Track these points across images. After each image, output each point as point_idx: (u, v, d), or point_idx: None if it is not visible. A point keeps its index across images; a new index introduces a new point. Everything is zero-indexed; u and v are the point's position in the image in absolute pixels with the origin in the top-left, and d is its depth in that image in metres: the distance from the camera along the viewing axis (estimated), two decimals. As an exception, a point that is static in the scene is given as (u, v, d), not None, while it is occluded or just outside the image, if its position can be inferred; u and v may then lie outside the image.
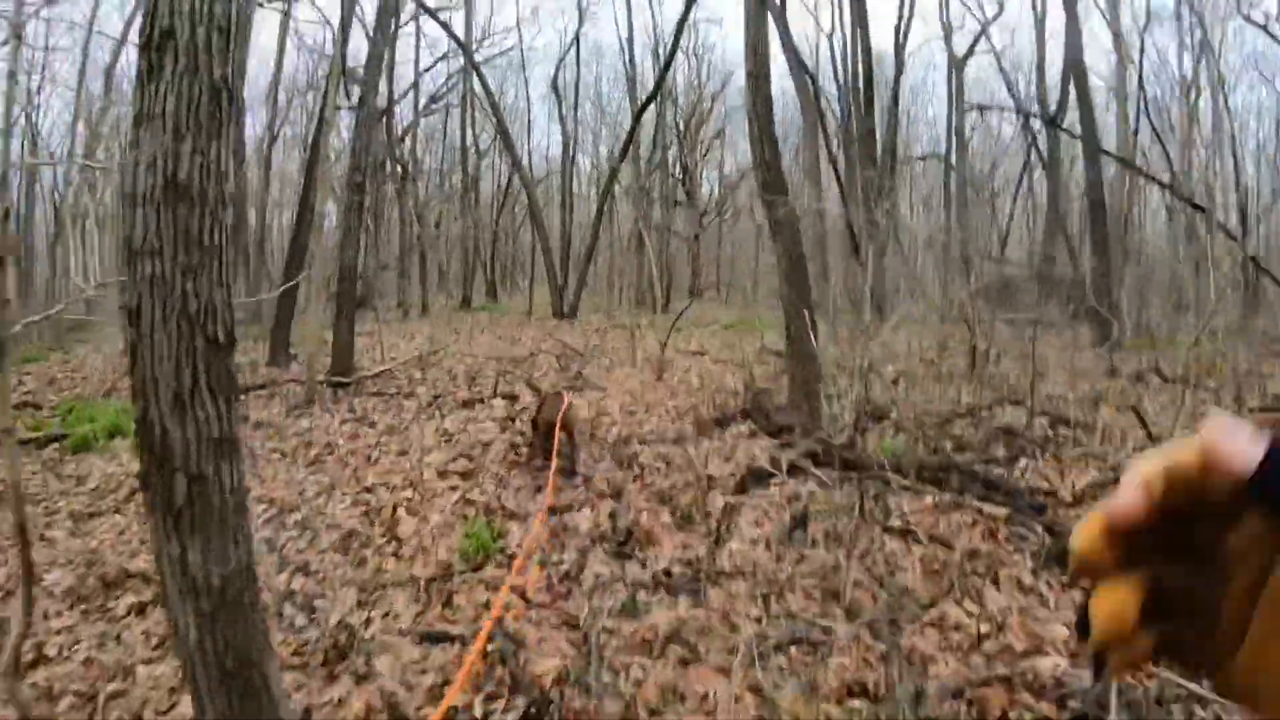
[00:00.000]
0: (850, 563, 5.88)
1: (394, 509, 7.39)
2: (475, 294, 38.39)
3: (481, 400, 12.57)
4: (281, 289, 16.21)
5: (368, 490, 8.12)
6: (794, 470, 8.47)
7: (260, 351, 17.82)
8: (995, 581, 5.88)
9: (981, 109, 32.59)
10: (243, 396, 13.61)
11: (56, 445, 10.96)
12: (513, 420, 11.18)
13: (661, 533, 6.70)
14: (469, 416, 11.56)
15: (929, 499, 7.56)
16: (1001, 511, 7.18)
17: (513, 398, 12.72)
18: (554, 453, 8.37)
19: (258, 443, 10.55)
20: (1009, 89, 35.66)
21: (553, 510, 7.42)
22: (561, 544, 6.57)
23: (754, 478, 8.15)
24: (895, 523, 7.01)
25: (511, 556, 6.25)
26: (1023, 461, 9.40)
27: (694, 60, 41.76)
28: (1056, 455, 9.61)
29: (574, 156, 37.91)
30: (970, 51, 38.26)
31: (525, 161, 33.40)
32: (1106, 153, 22.07)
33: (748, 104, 9.78)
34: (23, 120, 34.86)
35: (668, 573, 5.92)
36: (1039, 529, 6.86)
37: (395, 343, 20.03)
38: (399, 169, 34.38)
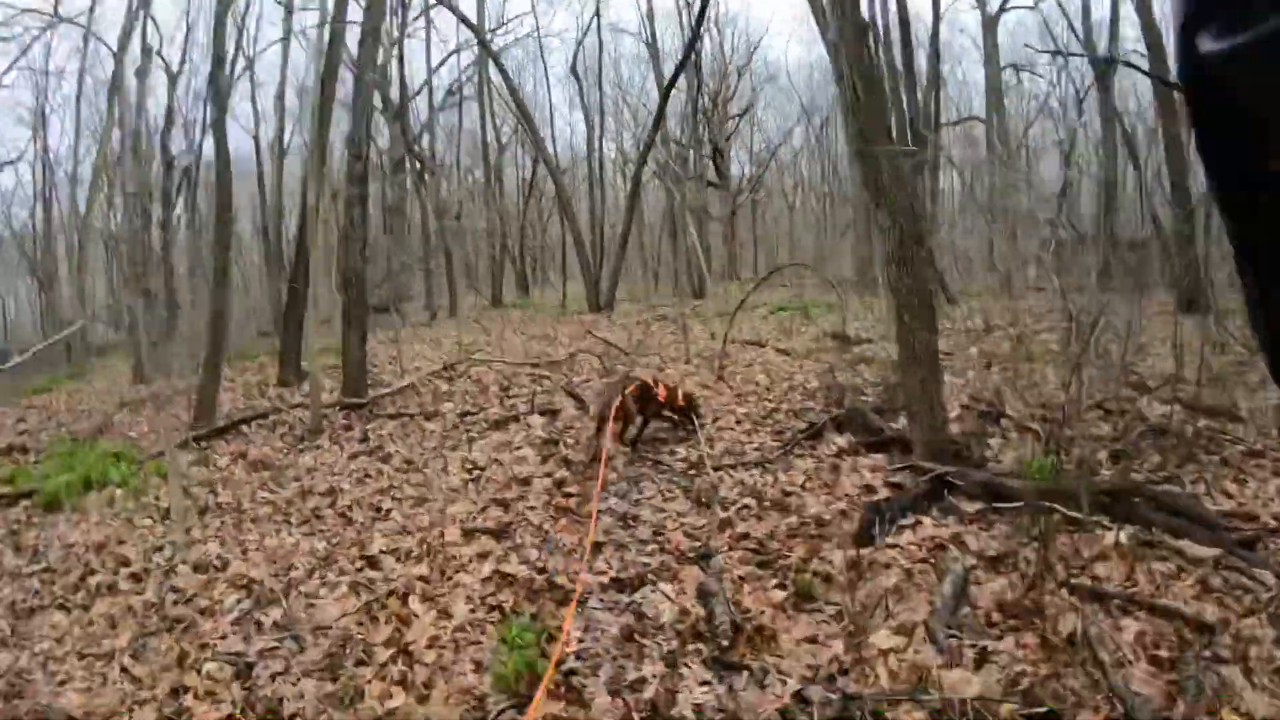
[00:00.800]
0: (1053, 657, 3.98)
1: (404, 597, 5.41)
2: (506, 291, 36.62)
3: (516, 419, 10.64)
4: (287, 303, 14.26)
5: (372, 564, 6.16)
6: (923, 502, 6.56)
7: (274, 370, 16.02)
8: (1248, 670, 3.93)
9: (1057, 51, 29.91)
10: (244, 428, 11.73)
11: (28, 502, 9.27)
12: (555, 444, 9.25)
13: (776, 620, 4.73)
14: (502, 441, 9.62)
15: (1108, 537, 5.60)
16: (1208, 552, 5.22)
17: (553, 413, 10.79)
18: (602, 459, 7.67)
19: (248, 491, 8.67)
20: (1051, 36, 33.37)
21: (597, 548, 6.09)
22: (638, 647, 4.60)
23: (878, 517, 6.19)
24: (1084, 579, 5.05)
25: (570, 673, 4.30)
26: (1190, 470, 7.38)
27: (716, 33, 39.68)
28: (1224, 459, 7.60)
29: (599, 143, 35.89)
30: (1004, 6, 36.09)
31: (549, 151, 31.41)
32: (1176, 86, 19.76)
33: (832, 32, 7.70)
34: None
35: (802, 698, 3.96)
36: (1266, 576, 4.89)
37: (420, 350, 18.16)
38: (418, 163, 32.48)
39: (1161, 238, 20.88)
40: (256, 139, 33.91)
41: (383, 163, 31.13)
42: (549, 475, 8.06)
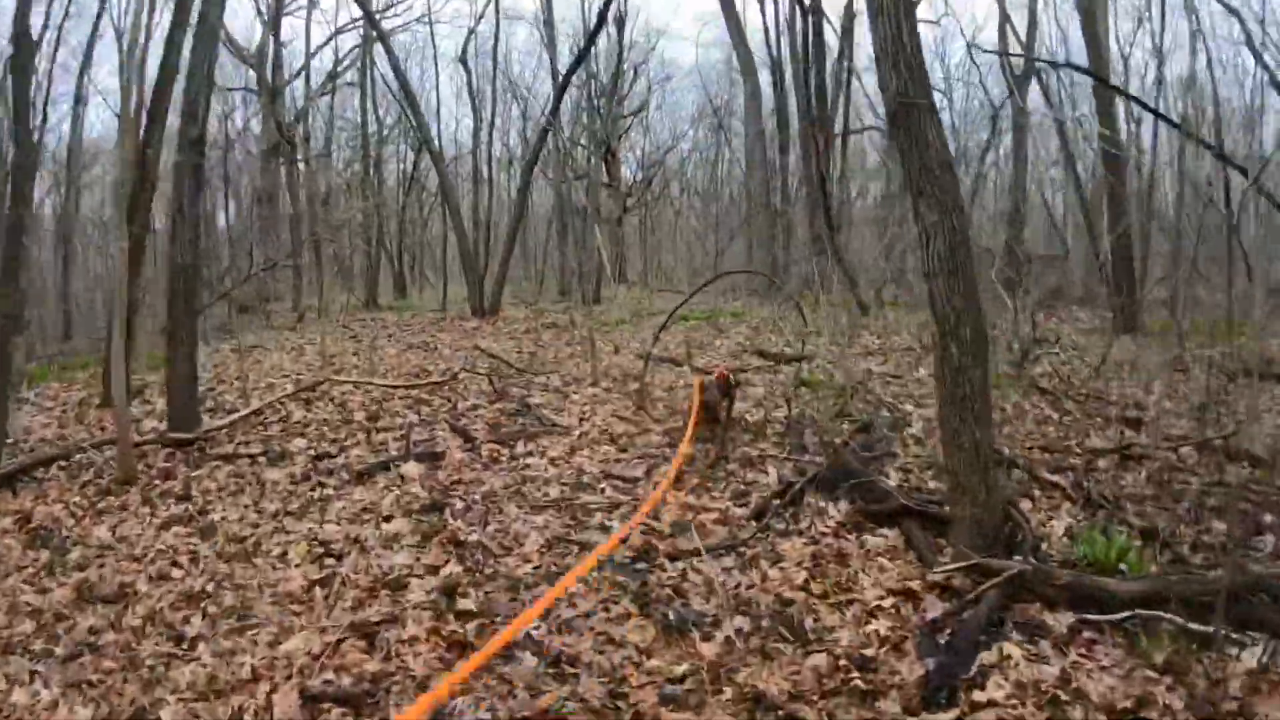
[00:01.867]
0: None
1: None
2: (383, 291, 33.78)
3: (386, 466, 8.14)
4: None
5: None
6: (995, 617, 4.73)
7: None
8: None
9: (1004, 53, 28.30)
10: (42, 471, 8.88)
11: None
12: (440, 511, 6.81)
13: None
14: (366, 505, 7.10)
15: (1245, 658, 4.18)
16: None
17: (434, 456, 8.34)
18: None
19: (9, 588, 6.02)
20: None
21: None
22: None
23: (945, 651, 4.07)
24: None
25: None
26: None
27: (614, 28, 37.32)
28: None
29: (490, 136, 33.16)
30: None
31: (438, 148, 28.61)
32: (1119, 90, 18.13)
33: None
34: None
35: None
36: None
37: (279, 362, 15.39)
38: (292, 150, 29.51)
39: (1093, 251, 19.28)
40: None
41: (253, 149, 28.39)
42: (434, 570, 5.64)
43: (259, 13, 30.18)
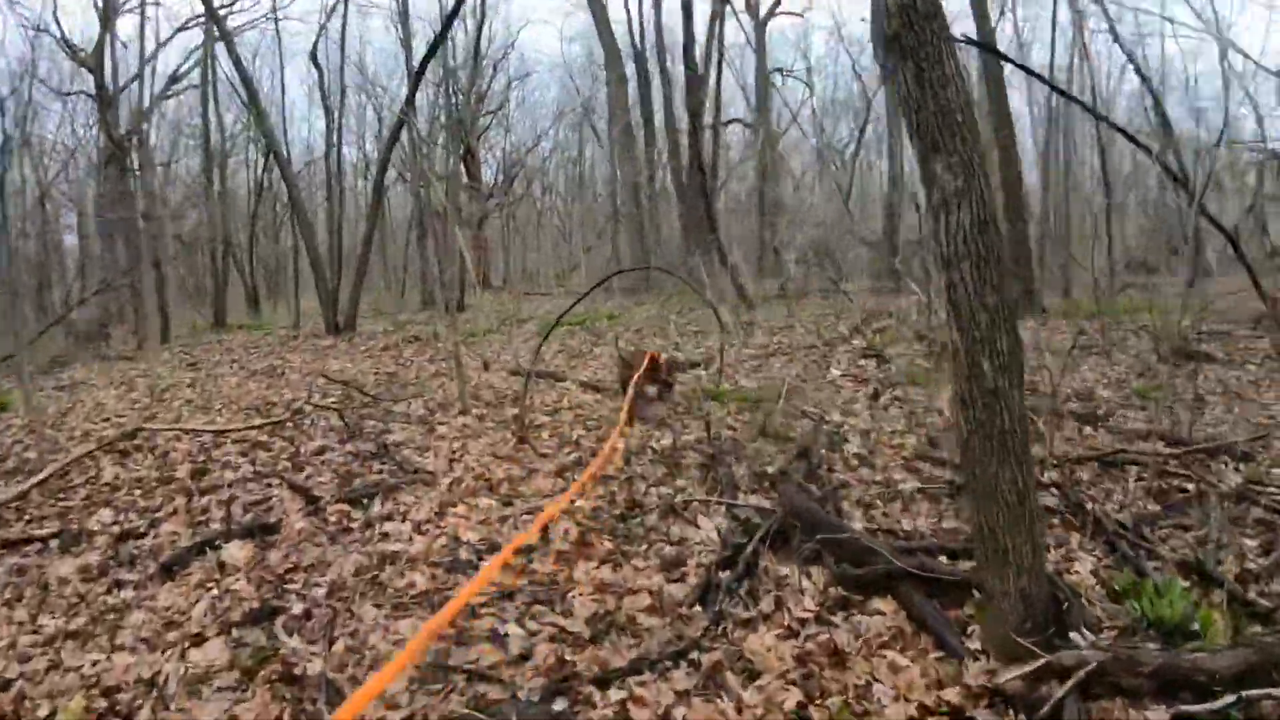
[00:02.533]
0: None
1: None
2: (234, 308, 31.27)
3: (204, 549, 6.18)
4: None
5: None
6: None
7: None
8: None
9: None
10: None
11: None
12: (270, 619, 4.99)
13: None
14: (172, 614, 5.20)
15: None
16: None
17: (266, 530, 6.48)
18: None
19: None
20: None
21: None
22: None
23: None
24: None
25: None
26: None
27: (472, 23, 35.27)
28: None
29: (338, 139, 30.79)
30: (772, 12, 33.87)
31: (285, 153, 26.20)
32: (1001, 55, 17.04)
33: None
34: None
35: None
36: None
37: (104, 401, 13.18)
38: (122, 154, 26.80)
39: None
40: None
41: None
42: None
43: (96, 6, 27.25)
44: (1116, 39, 21.50)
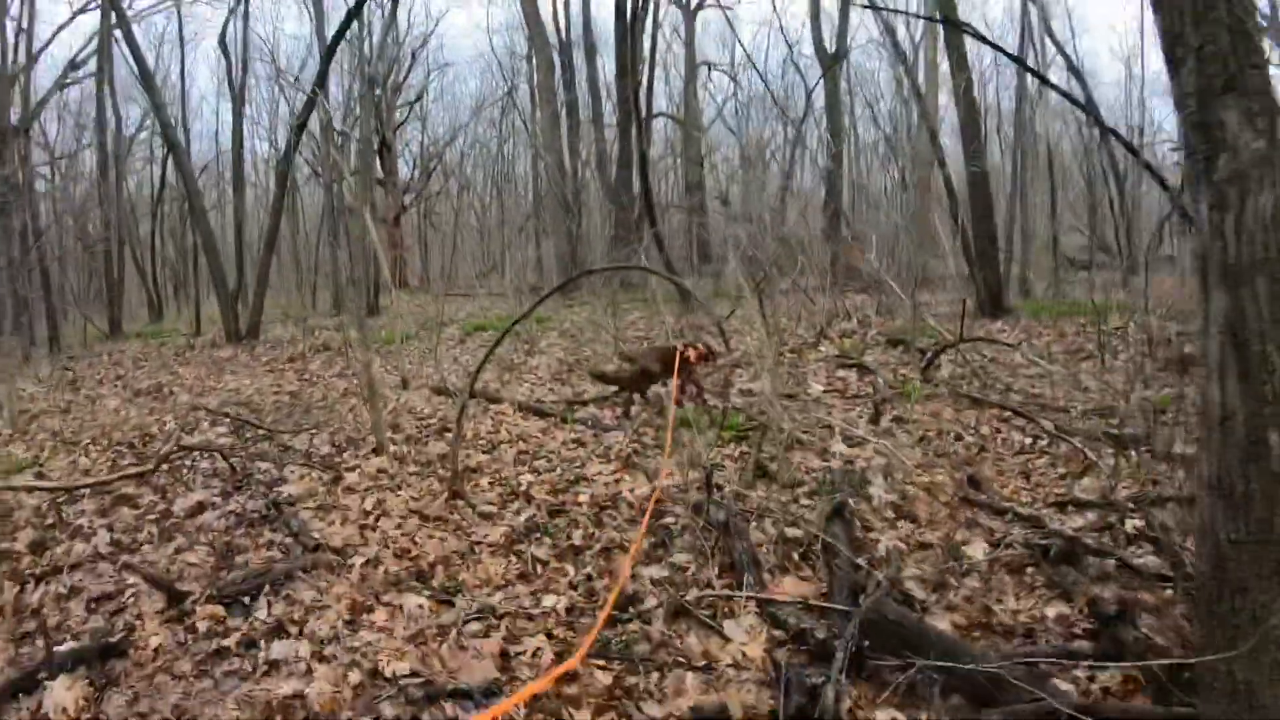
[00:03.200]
0: None
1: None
2: (135, 313, 28.75)
3: (18, 693, 3.94)
4: None
5: None
6: None
7: None
8: None
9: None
10: None
11: None
12: None
13: None
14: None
15: None
16: None
17: (109, 653, 4.36)
18: None
19: None
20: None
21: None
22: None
23: None
24: None
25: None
26: None
27: (387, 8, 32.91)
28: None
29: (242, 130, 28.07)
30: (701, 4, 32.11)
31: (190, 146, 23.66)
32: (967, 29, 15.43)
33: None
34: None
35: None
36: None
37: (-51, 431, 10.91)
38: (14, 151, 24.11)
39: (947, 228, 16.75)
40: None
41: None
42: None
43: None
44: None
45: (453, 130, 39.66)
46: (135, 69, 21.13)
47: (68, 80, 29.15)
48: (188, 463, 7.98)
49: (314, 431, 8.98)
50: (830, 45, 25.89)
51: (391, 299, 23.48)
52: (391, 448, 7.73)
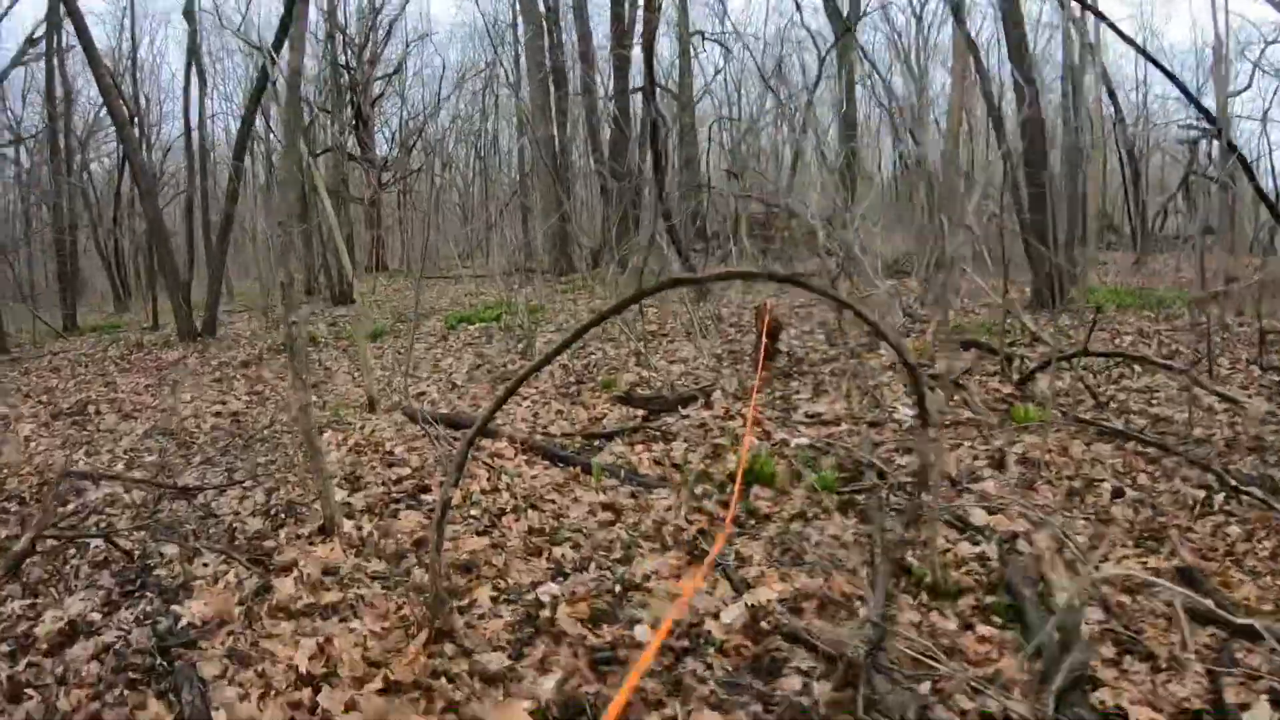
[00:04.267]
0: None
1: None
2: (96, 307, 26.18)
3: None
4: None
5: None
6: None
7: None
8: None
9: None
10: None
11: None
12: None
13: None
14: None
15: None
16: None
17: None
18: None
19: None
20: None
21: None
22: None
23: None
24: None
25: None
26: None
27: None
28: None
29: (202, 104, 25.13)
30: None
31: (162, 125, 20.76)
32: None
33: None
34: None
35: None
36: None
37: None
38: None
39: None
40: None
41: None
42: None
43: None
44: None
45: (433, 103, 36.79)
46: (78, 40, 18.34)
47: (25, 58, 26.40)
48: (72, 553, 5.50)
49: (246, 485, 6.52)
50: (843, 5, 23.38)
51: (371, 283, 21.03)
52: (346, 524, 5.23)
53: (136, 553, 5.38)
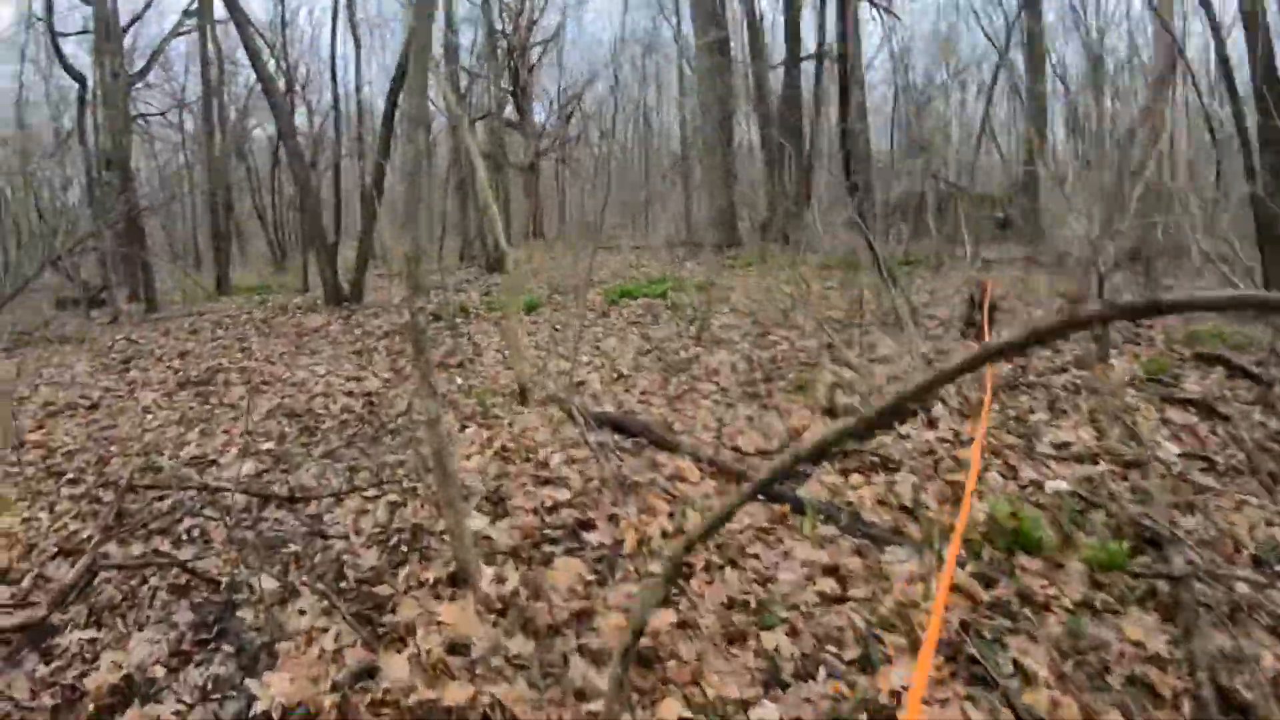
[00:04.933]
0: None
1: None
2: (255, 268, 25.93)
3: None
4: None
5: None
6: None
7: None
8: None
9: None
10: None
11: None
12: None
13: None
14: None
15: None
16: None
17: None
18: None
19: None
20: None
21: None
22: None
23: None
24: None
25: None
26: None
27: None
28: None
29: (358, 69, 24.50)
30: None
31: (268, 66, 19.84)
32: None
33: None
34: None
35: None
36: None
37: None
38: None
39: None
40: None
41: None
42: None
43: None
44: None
45: (589, 73, 35.59)
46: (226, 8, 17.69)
47: (182, 29, 26.36)
48: (137, 581, 4.35)
49: (368, 495, 5.25)
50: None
51: (526, 253, 19.94)
52: (485, 572, 3.88)
53: (224, 580, 4.19)
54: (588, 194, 36.81)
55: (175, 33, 26.47)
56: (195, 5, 24.08)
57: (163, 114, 29.22)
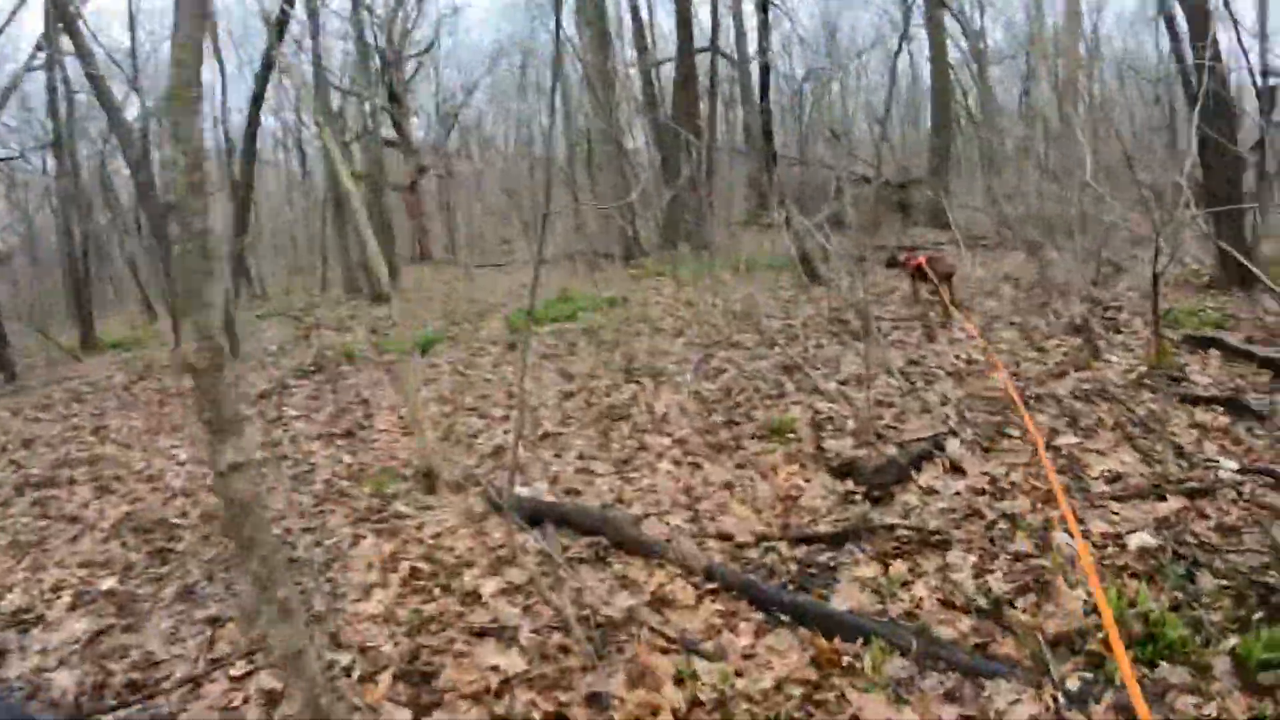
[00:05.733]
0: None
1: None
2: (126, 318, 23.74)
3: None
4: None
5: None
6: None
7: None
8: None
9: None
10: None
11: None
12: None
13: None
14: None
15: None
16: None
17: None
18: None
19: None
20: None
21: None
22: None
23: None
24: None
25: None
26: None
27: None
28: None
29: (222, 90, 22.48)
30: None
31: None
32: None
33: None
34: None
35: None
36: None
37: None
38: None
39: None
40: None
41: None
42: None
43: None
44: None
45: (468, 84, 33.86)
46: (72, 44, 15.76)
47: (35, 62, 24.00)
48: None
49: (235, 674, 3.67)
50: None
51: (416, 277, 18.29)
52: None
53: None
54: (475, 211, 35.02)
55: (28, 67, 24.10)
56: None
57: (20, 155, 26.61)
